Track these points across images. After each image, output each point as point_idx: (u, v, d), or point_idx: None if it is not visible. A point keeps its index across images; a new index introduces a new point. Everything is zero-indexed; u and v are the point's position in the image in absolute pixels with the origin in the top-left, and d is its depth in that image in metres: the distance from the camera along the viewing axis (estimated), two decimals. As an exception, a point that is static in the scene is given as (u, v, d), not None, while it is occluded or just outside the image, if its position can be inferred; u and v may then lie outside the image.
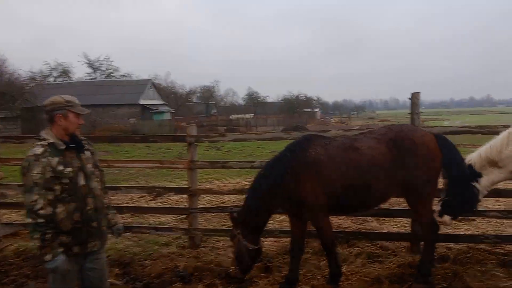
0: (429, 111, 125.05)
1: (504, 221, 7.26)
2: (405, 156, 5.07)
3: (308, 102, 69.61)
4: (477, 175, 5.18)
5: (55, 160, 3.70)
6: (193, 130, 7.06)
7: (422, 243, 6.17)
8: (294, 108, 64.55)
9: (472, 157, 5.29)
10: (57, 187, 3.69)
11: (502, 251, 6.01)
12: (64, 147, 3.80)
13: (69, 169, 3.76)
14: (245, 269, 5.40)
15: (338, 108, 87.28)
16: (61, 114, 3.81)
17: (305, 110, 65.56)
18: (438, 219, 5.23)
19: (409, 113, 6.32)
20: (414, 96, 6.20)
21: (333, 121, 62.63)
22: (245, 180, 13.34)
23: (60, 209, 3.70)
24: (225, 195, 10.07)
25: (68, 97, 3.91)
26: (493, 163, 5.09)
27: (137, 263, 6.49)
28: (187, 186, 7.17)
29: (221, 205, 8.59)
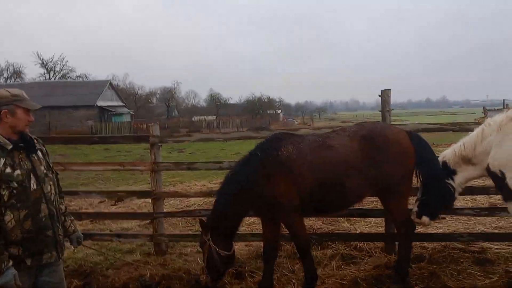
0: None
1: (473, 218, 7.22)
2: (378, 153, 4.90)
3: (270, 103, 69.57)
4: (451, 173, 5.08)
5: (1, 162, 3.27)
6: (156, 130, 6.67)
7: (397, 243, 6.07)
8: (257, 109, 64.45)
9: (446, 154, 5.18)
10: (5, 192, 3.25)
11: (476, 249, 5.93)
12: (11, 146, 3.36)
13: (18, 172, 3.32)
14: (216, 277, 5.08)
15: (301, 110, 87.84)
16: (7, 110, 3.37)
17: (268, 111, 65.65)
18: (416, 220, 5.10)
19: (379, 111, 6.18)
20: (385, 94, 6.05)
21: (296, 122, 62.80)
22: (211, 182, 12.99)
23: (8, 217, 3.27)
24: (191, 198, 9.73)
25: (15, 91, 3.46)
26: (467, 160, 4.99)
27: (99, 273, 6.06)
28: (150, 190, 6.76)
29: (187, 208, 8.23)
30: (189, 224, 8.40)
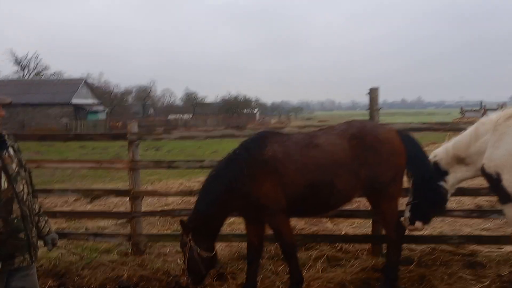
0: (363, 113, 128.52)
1: (459, 220, 7.15)
2: (368, 153, 4.78)
3: (247, 103, 69.33)
4: (443, 173, 4.94)
5: None
6: (134, 127, 6.46)
7: (384, 245, 5.96)
8: (233, 109, 64.20)
9: (438, 154, 5.03)
10: (-27, 192, 3.02)
11: (466, 251, 5.85)
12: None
13: (-14, 170, 3.10)
14: (198, 280, 4.91)
15: (277, 109, 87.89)
16: (-25, 105, 3.14)
17: (245, 111, 65.46)
18: (410, 227, 4.98)
19: (367, 110, 6.08)
20: (373, 92, 5.96)
21: (273, 122, 62.83)
22: (189, 180, 12.79)
23: (-23, 218, 3.04)
24: (169, 197, 9.52)
25: None
26: (460, 160, 4.84)
27: (74, 273, 5.81)
28: (128, 188, 6.55)
29: (166, 208, 8.02)
30: (168, 223, 8.19)
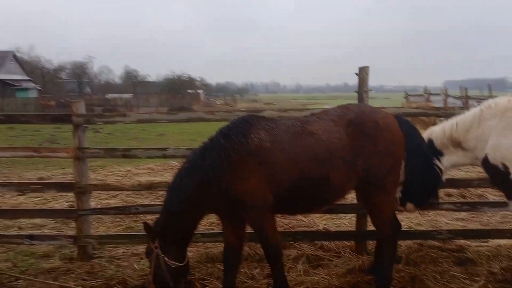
0: (306, 96, 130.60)
1: (434, 212, 6.68)
2: (367, 141, 4.15)
3: (191, 83, 67.29)
4: (438, 153, 4.52)
5: None
6: (81, 108, 5.42)
7: (369, 241, 5.44)
8: (177, 88, 62.11)
9: (434, 132, 4.58)
10: None
11: (453, 247, 5.41)
12: None
13: None
14: None
15: (222, 90, 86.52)
16: None
17: (189, 91, 63.56)
18: (400, 208, 4.56)
19: (355, 91, 5.39)
20: (363, 71, 5.27)
21: (218, 103, 61.54)
22: (137, 167, 11.68)
23: None
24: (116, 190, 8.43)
25: None
26: (456, 143, 4.41)
27: (7, 285, 4.86)
28: (73, 181, 5.49)
29: (118, 203, 6.98)
30: (118, 219, 7.18)
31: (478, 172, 9.82)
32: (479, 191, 7.72)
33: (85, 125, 5.34)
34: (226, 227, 4.32)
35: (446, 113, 5.17)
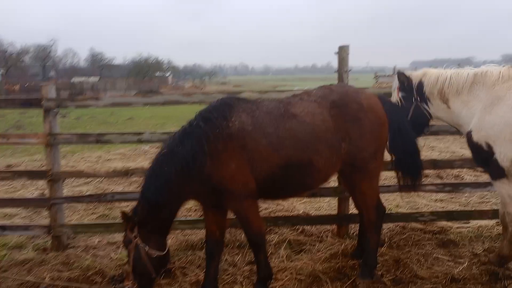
0: (276, 78, 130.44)
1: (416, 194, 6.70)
2: (352, 123, 4.07)
3: (158, 65, 66.16)
4: (425, 99, 4.44)
5: None
6: (51, 92, 5.16)
7: (351, 225, 5.41)
8: (145, 71, 60.88)
9: (427, 76, 4.43)
10: None
11: (435, 229, 5.41)
12: None
13: None
14: (146, 284, 3.93)
15: (190, 73, 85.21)
16: None
17: (157, 74, 62.41)
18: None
19: (335, 72, 5.29)
20: (343, 51, 5.16)
21: (187, 86, 60.64)
22: (108, 152, 11.38)
23: None
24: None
25: None
26: (445, 99, 4.30)
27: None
28: (45, 168, 5.25)
29: (90, 190, 6.75)
30: (91, 207, 6.95)
31: (451, 152, 10.10)
32: (455, 171, 7.81)
33: (56, 110, 5.09)
34: (208, 216, 4.18)
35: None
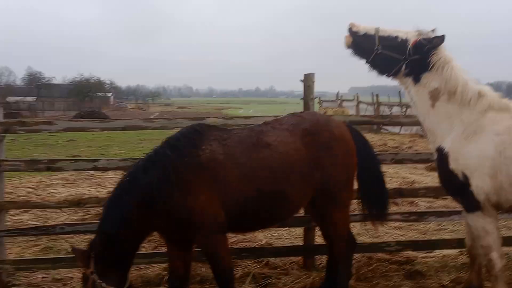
0: (220, 100, 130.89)
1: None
2: (324, 152, 3.97)
3: (100, 86, 64.41)
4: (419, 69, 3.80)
5: None
6: (-2, 114, 4.68)
7: (317, 256, 5.25)
8: (85, 92, 58.97)
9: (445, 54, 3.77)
10: None
11: (401, 259, 5.32)
12: None
13: None
14: None
15: (133, 94, 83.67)
16: None
17: (98, 94, 60.65)
18: None
19: (301, 99, 5.21)
20: (309, 79, 5.09)
21: (130, 107, 59.38)
22: (50, 177, 10.64)
23: None
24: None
25: None
26: (434, 96, 3.77)
27: None
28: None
29: (32, 219, 6.19)
30: (33, 238, 6.34)
31: (402, 178, 10.26)
32: (409, 198, 7.86)
33: (3, 134, 4.62)
34: (171, 249, 3.89)
35: (392, 121, 5.15)
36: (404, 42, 3.81)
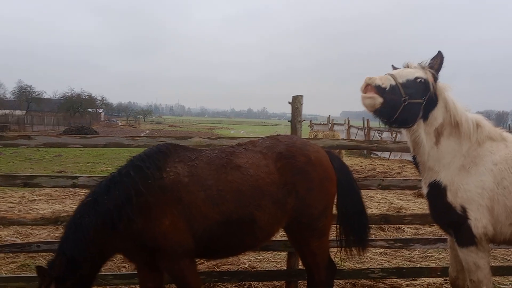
0: (212, 119, 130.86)
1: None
2: (299, 177, 3.82)
3: (91, 101, 64.21)
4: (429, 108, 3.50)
5: None
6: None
7: (300, 281, 5.11)
8: (76, 107, 58.70)
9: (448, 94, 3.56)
10: None
11: (385, 286, 5.24)
12: None
13: None
14: None
15: (124, 110, 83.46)
16: None
17: (89, 110, 60.38)
18: None
19: (289, 121, 5.13)
20: (297, 101, 5.03)
21: (120, 123, 59.11)
22: (33, 192, 10.44)
23: None
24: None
25: None
26: (437, 134, 3.54)
27: None
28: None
29: (9, 235, 6.01)
30: (10, 255, 6.16)
31: (389, 203, 10.19)
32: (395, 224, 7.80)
33: (-21, 148, 4.51)
34: (142, 272, 3.76)
35: (379, 146, 5.10)
36: (424, 82, 3.42)
